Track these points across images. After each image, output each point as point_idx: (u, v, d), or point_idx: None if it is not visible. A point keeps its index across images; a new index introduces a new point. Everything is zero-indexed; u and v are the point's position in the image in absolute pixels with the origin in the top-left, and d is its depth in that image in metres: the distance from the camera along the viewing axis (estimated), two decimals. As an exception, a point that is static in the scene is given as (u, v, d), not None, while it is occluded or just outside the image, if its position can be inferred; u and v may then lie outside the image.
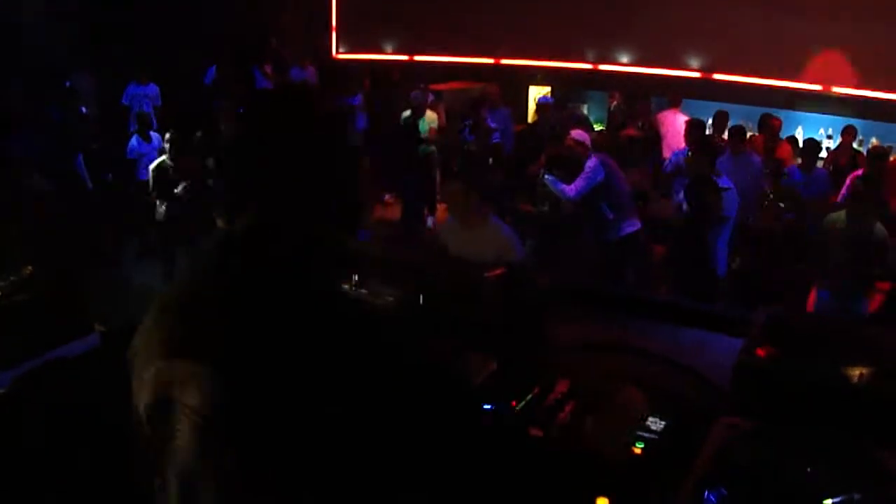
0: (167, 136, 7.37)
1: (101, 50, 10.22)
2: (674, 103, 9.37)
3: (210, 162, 7.09)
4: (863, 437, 1.65)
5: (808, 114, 9.72)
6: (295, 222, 1.25)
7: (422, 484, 1.22)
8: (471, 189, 4.62)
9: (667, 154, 8.36)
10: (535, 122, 9.85)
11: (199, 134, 7.71)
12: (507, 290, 2.48)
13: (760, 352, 2.03)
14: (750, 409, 1.84)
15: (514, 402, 1.82)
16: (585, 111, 11.21)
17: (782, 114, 8.91)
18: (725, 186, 5.54)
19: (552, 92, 11.24)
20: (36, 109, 8.82)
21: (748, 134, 8.01)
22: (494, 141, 8.67)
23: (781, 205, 6.41)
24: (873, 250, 5.68)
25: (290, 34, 13.09)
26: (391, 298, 2.43)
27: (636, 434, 1.67)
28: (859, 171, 7.15)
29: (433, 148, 9.02)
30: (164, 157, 7.30)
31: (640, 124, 9.08)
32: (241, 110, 1.34)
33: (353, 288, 2.49)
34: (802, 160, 7.55)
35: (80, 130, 9.00)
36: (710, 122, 8.70)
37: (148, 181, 7.42)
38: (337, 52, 13.63)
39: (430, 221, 9.03)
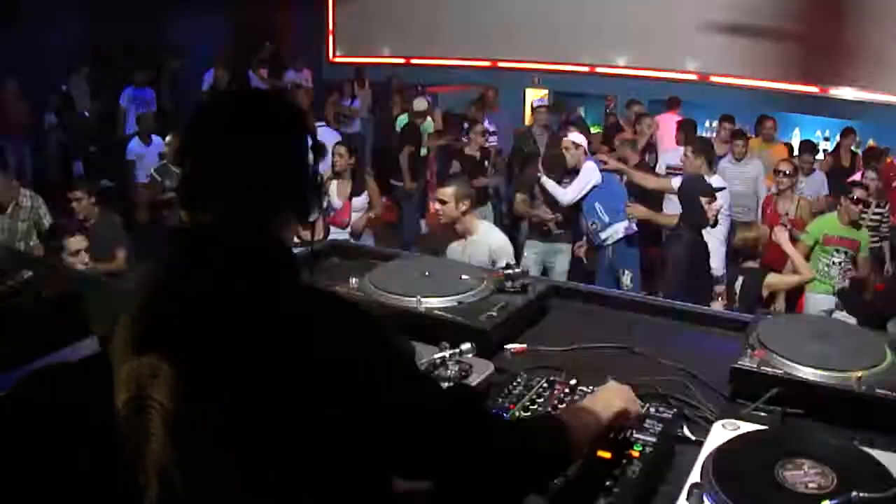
0: (167, 139, 7.38)
1: (98, 52, 10.22)
2: (671, 106, 9.38)
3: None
4: (861, 438, 1.66)
5: (804, 116, 9.75)
6: (252, 219, 1.29)
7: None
8: (463, 195, 4.62)
9: (661, 156, 8.37)
10: (532, 125, 9.88)
11: None
12: (503, 291, 2.48)
13: (758, 353, 2.03)
14: (747, 411, 1.84)
15: (511, 406, 1.82)
16: (582, 113, 11.22)
17: (779, 116, 8.94)
18: (719, 186, 5.55)
19: (549, 94, 11.26)
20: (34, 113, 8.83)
21: (747, 137, 8.05)
22: (491, 144, 8.67)
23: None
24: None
25: (286, 37, 13.10)
26: (386, 301, 2.42)
27: (632, 435, 1.67)
28: (857, 175, 7.19)
29: (429, 150, 9.03)
30: (165, 161, 7.30)
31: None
32: (198, 110, 1.36)
33: (348, 290, 2.48)
34: (799, 161, 7.60)
35: (80, 133, 9.02)
36: (714, 124, 8.74)
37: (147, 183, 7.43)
38: (334, 55, 13.62)
39: (421, 225, 9.04)
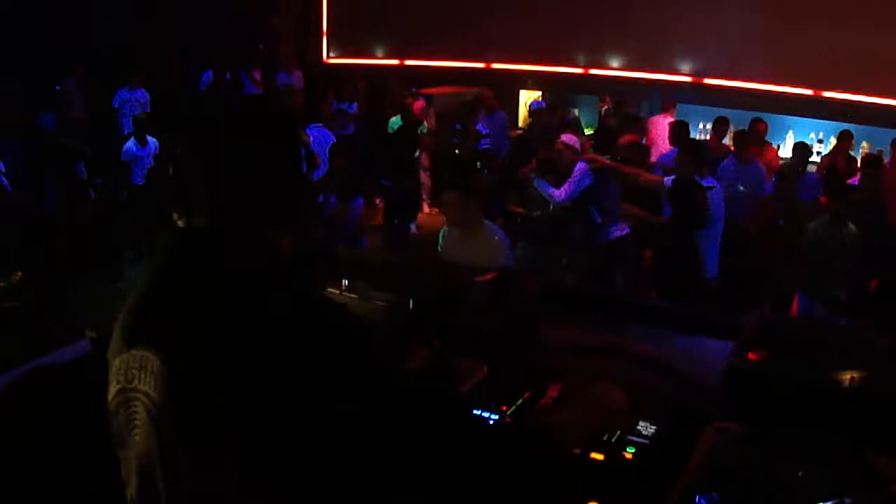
0: (164, 140, 7.38)
1: (91, 54, 10.19)
2: (665, 108, 9.39)
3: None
4: (854, 440, 1.66)
5: (798, 118, 9.76)
6: (241, 222, 1.30)
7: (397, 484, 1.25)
8: (469, 197, 4.58)
9: (654, 158, 8.38)
10: (528, 127, 9.87)
11: None
12: (498, 294, 2.48)
13: (751, 355, 2.03)
14: (740, 413, 1.84)
15: (504, 407, 1.82)
16: (576, 113, 11.23)
17: (773, 118, 8.96)
18: (710, 185, 5.55)
19: (543, 96, 11.26)
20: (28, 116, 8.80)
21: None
22: (484, 146, 8.66)
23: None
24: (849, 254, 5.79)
25: (279, 39, 13.08)
26: (380, 303, 2.42)
27: (626, 437, 1.67)
28: (855, 178, 7.19)
29: (422, 152, 9.03)
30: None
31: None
32: (192, 114, 1.37)
33: (342, 292, 2.48)
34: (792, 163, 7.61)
35: (77, 135, 8.99)
36: (708, 126, 8.74)
37: (143, 184, 7.43)
38: (328, 56, 13.60)
39: (412, 227, 9.03)
